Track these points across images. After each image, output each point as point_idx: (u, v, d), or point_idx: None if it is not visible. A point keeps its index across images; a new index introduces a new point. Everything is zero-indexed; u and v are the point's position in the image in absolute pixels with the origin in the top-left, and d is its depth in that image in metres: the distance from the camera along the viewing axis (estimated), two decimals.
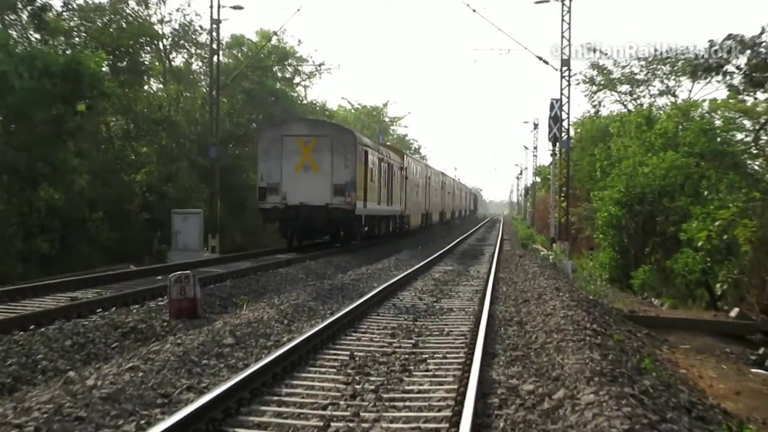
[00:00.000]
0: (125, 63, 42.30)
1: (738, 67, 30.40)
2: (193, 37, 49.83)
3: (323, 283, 20.00)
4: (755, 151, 35.76)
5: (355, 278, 21.68)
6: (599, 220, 34.54)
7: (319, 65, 60.34)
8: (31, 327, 12.80)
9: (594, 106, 57.15)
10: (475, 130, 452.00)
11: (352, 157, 30.58)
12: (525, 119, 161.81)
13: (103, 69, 36.11)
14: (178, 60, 51.68)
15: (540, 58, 36.66)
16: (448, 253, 34.11)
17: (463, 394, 8.28)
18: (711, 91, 57.41)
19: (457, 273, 24.99)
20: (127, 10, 44.43)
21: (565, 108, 36.51)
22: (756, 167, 35.07)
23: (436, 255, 30.48)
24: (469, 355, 10.43)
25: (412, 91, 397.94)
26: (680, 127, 38.13)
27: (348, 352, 11.22)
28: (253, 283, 20.01)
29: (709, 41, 29.84)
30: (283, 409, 8.36)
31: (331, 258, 28.02)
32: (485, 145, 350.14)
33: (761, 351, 17.49)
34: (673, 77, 52.82)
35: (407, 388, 9.31)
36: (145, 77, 46.22)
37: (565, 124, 37.07)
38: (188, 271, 15.24)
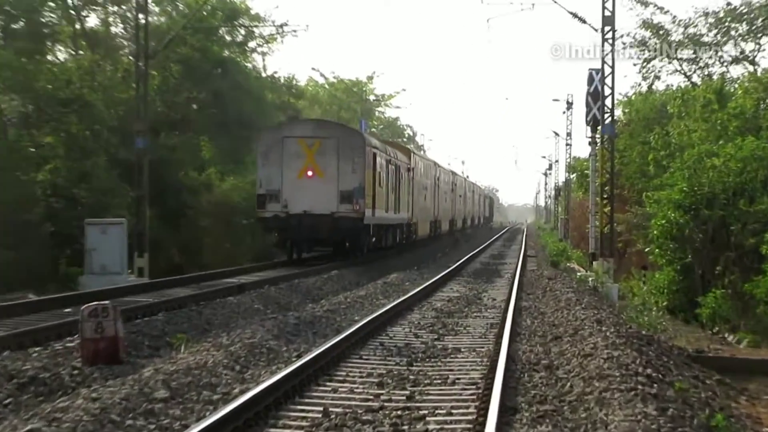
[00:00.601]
0: (22, 25, 42.20)
1: None
2: None
3: (287, 315, 19.96)
4: None
5: (329, 309, 21.67)
6: (654, 229, 34.45)
7: (281, 26, 60.41)
8: None
9: (646, 78, 57.23)
10: (489, 113, 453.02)
11: (360, 161, 35.26)
12: (555, 96, 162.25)
13: None
14: (93, 20, 51.71)
15: (575, 15, 36.90)
16: (454, 273, 34.14)
17: None
18: None
19: (465, 301, 25.00)
20: None
21: (608, 81, 36.61)
22: None
23: (438, 277, 30.50)
24: (482, 411, 10.41)
25: (406, 63, 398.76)
26: (762, 104, 38.20)
27: (321, 408, 11.20)
28: (194, 316, 19.97)
29: None
30: None
31: (297, 282, 28.06)
32: (502, 133, 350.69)
33: None
34: (752, 39, 52.96)
35: None
36: (49, 43, 46.11)
37: (608, 102, 37.18)
38: (107, 302, 15.17)
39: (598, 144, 39.91)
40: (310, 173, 34.98)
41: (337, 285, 29.11)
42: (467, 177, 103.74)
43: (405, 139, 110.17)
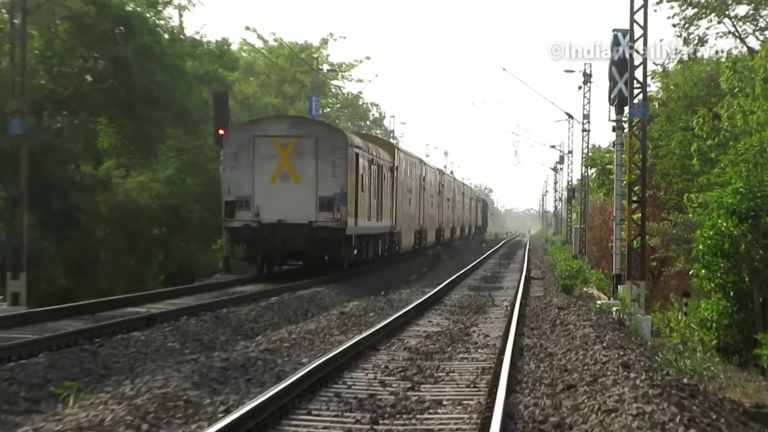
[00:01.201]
0: None
1: None
2: None
3: (211, 357, 19.95)
4: None
5: (267, 348, 21.65)
6: (700, 243, 34.62)
7: None
8: None
9: (687, 42, 57.43)
10: (480, 89, 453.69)
11: (342, 163, 39.05)
12: (568, 66, 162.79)
13: None
14: None
15: None
16: (433, 301, 34.12)
17: None
18: None
19: (449, 338, 24.99)
20: None
21: (639, 47, 36.70)
22: None
23: (412, 306, 30.46)
24: None
25: (372, 23, 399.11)
26: None
27: None
28: (88, 358, 19.89)
29: None
30: None
31: (225, 312, 28.04)
32: (498, 115, 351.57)
33: None
34: None
35: None
36: None
37: (638, 74, 37.27)
38: None
39: (625, 130, 40.00)
40: (285, 177, 38.75)
41: (278, 316, 29.07)
42: (452, 173, 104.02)
43: (369, 123, 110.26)
